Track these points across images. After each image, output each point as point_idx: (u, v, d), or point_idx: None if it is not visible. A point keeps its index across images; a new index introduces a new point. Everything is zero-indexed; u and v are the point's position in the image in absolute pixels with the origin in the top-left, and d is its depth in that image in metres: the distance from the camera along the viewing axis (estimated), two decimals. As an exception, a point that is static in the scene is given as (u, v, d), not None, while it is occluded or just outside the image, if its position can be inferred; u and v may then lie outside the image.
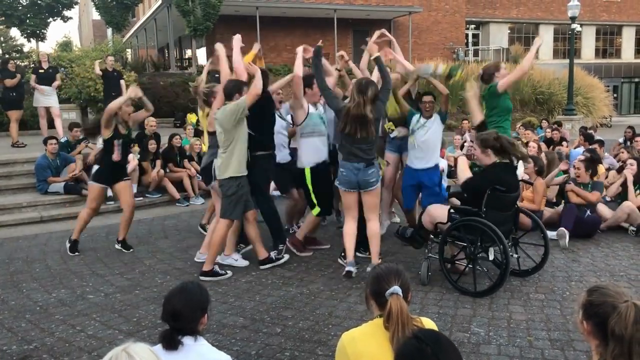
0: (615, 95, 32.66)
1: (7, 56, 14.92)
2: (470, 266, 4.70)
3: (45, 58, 11.53)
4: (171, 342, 2.40)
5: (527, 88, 21.04)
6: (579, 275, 5.09)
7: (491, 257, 4.84)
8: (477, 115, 5.63)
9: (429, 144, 5.81)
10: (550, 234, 5.72)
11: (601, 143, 9.24)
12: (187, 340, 2.41)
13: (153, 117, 10.12)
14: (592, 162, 6.85)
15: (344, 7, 23.94)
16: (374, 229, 5.16)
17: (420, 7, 25.47)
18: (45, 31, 24.61)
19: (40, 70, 11.10)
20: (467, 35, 30.24)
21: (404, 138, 6.08)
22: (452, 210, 4.86)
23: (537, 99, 21.09)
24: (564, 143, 10.10)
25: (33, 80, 10.95)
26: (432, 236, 4.99)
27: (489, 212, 4.59)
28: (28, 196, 8.52)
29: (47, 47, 71.97)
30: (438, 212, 5.00)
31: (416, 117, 5.85)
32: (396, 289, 2.29)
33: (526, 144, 9.78)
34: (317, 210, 5.71)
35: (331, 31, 23.41)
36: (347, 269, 5.11)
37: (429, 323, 2.40)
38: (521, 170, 7.12)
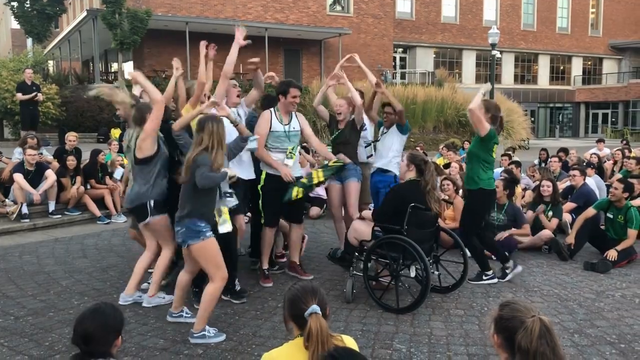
0: (532, 119, 34.58)
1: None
2: (393, 283, 4.79)
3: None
4: (82, 367, 2.30)
5: (450, 110, 21.89)
6: (496, 291, 5.29)
7: (413, 274, 4.95)
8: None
9: (381, 150, 6.17)
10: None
11: (518, 164, 9.68)
12: (100, 364, 2.32)
13: (74, 132, 9.78)
14: (511, 182, 7.10)
15: (275, 26, 24.12)
16: None
17: (350, 30, 26.07)
18: (-42, 39, 23.26)
19: None
20: (394, 58, 31.17)
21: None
22: (376, 228, 4.94)
23: (460, 121, 21.95)
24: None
25: None
26: (356, 253, 5.05)
27: (410, 229, 4.71)
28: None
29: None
30: (363, 229, 5.08)
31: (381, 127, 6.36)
32: (315, 308, 2.30)
33: (448, 165, 10.15)
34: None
35: (262, 49, 23.47)
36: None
37: (349, 341, 2.42)
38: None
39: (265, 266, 5.59)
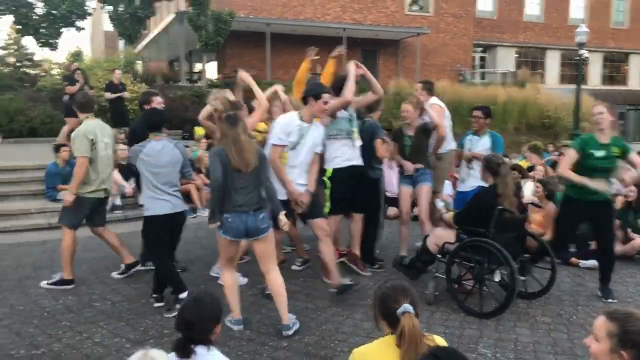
0: (622, 122, 32.74)
1: (73, 64, 15.38)
2: (477, 287, 4.72)
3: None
4: (184, 351, 2.45)
5: (533, 112, 21.14)
6: (585, 300, 5.09)
7: (497, 279, 4.86)
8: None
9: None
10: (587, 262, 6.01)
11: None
12: (200, 349, 2.46)
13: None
14: None
15: (353, 26, 24.20)
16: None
17: (429, 29, 25.72)
18: (57, 41, 24.87)
19: None
20: (474, 58, 30.46)
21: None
22: (460, 231, 4.88)
23: (544, 123, 21.17)
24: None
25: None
26: (439, 255, 5.00)
27: (495, 233, 4.62)
28: (37, 202, 8.58)
29: (59, 56, 72.58)
30: (445, 234, 5.04)
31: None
32: (407, 307, 2.31)
33: (532, 168, 9.82)
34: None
35: (340, 50, 23.61)
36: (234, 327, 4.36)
37: (440, 341, 2.42)
38: (529, 193, 7.16)
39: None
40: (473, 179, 5.94)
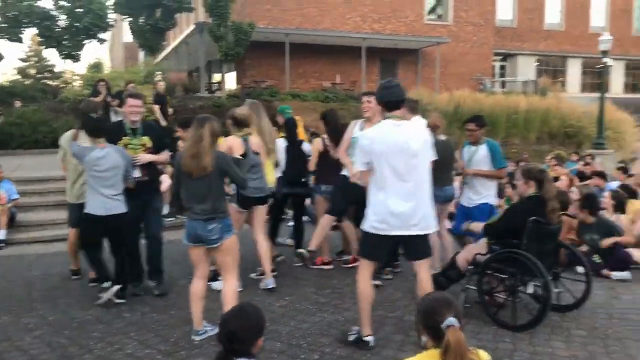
0: (645, 130, 32.24)
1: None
2: (510, 299, 4.63)
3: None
4: (226, 364, 2.41)
5: (555, 121, 20.92)
6: (620, 313, 4.97)
7: (530, 291, 4.77)
8: None
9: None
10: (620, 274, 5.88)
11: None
12: (242, 362, 2.41)
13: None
14: (589, 200, 6.59)
15: (372, 36, 24.22)
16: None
17: (449, 38, 25.64)
18: (79, 52, 25.28)
19: None
20: (494, 66, 30.28)
21: None
22: (492, 242, 4.81)
23: (566, 132, 20.93)
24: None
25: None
26: (470, 266, 4.93)
27: (530, 244, 4.54)
28: (63, 213, 8.63)
29: (80, 67, 73.76)
30: (476, 247, 4.99)
31: None
32: (452, 320, 2.27)
33: (557, 178, 9.69)
34: None
35: (359, 60, 23.65)
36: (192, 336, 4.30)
37: (484, 356, 2.37)
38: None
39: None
40: (472, 194, 5.83)
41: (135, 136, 5.33)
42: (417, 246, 4.02)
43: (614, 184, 9.16)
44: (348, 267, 6.28)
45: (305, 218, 7.29)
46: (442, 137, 6.12)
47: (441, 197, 5.78)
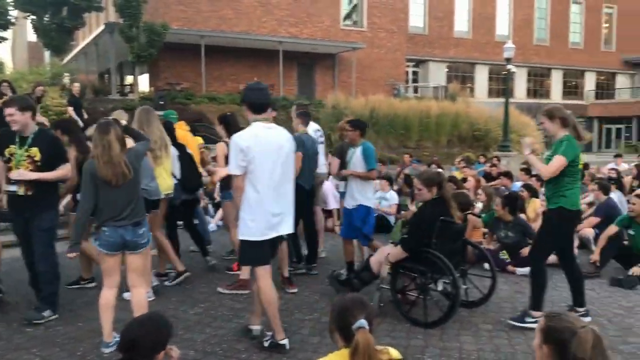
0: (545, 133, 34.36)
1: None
2: (421, 297, 4.78)
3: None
4: (121, 374, 2.30)
5: (464, 125, 21.89)
6: (524, 306, 5.23)
7: (440, 288, 4.94)
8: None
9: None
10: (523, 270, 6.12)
11: (538, 178, 9.66)
12: (139, 374, 2.31)
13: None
14: (510, 199, 6.95)
15: (290, 40, 24.29)
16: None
17: (364, 44, 26.18)
18: (-23, 51, 23.62)
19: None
20: (407, 72, 31.26)
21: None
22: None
23: (474, 135, 21.94)
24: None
25: None
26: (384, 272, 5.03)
27: (438, 243, 4.70)
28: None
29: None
30: (388, 248, 5.11)
31: None
32: (362, 322, 2.29)
33: (465, 179, 10.14)
34: None
35: (277, 63, 23.65)
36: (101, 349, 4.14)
37: (395, 354, 2.42)
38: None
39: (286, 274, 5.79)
40: (349, 197, 5.90)
41: (22, 146, 4.69)
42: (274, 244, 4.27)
43: (518, 184, 9.70)
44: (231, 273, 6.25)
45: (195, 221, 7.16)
46: (345, 140, 6.29)
47: None
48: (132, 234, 4.00)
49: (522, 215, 7.25)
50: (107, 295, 4.08)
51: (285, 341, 4.14)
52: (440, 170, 5.10)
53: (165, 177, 5.62)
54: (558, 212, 4.56)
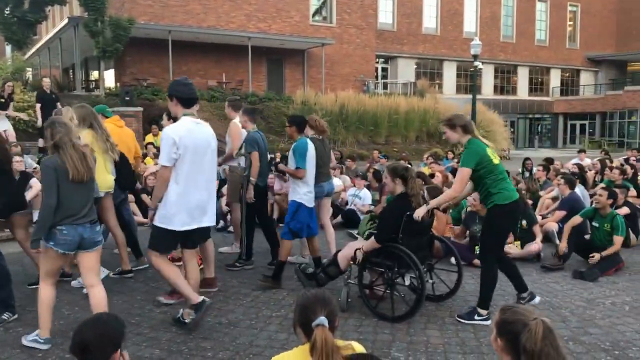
0: (512, 129, 35.03)
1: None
2: (388, 291, 4.80)
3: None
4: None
5: (433, 121, 22.10)
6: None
7: (407, 283, 4.98)
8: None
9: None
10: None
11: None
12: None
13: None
14: None
15: (258, 35, 24.13)
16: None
17: (333, 40, 26.19)
18: None
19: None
20: (376, 68, 31.40)
21: None
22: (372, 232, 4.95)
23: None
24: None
25: None
26: (351, 262, 5.04)
27: (405, 238, 4.72)
28: None
29: None
30: (356, 243, 5.10)
31: None
32: (322, 319, 2.27)
33: (433, 175, 10.23)
34: None
35: (245, 58, 23.48)
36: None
37: (358, 347, 2.42)
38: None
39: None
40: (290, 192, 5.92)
41: None
42: (201, 235, 4.63)
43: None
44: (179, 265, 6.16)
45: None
46: (318, 137, 6.28)
47: (318, 193, 6.10)
48: (90, 232, 4.02)
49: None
50: (49, 291, 4.08)
51: (201, 298, 4.38)
52: (408, 165, 5.09)
53: (105, 175, 5.52)
54: (494, 211, 4.64)
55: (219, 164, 6.36)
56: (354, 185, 9.83)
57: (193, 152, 4.15)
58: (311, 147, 5.78)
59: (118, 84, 22.14)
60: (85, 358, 2.22)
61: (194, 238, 4.56)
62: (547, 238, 7.54)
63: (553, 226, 7.62)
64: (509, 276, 5.06)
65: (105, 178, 5.48)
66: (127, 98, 16.50)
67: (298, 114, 6.32)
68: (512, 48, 37.77)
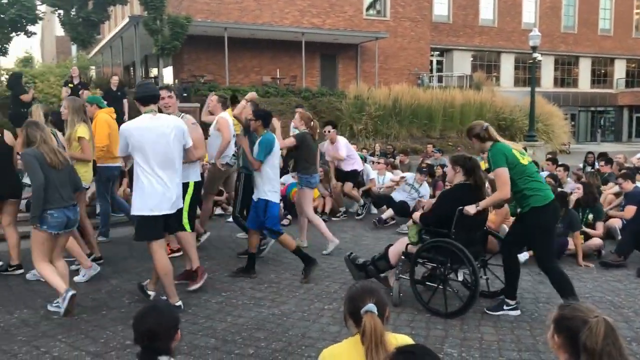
0: (573, 123, 33.82)
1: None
2: (441, 287, 4.75)
3: (77, 73, 12.52)
4: (150, 363, 2.37)
5: (489, 114, 21.60)
6: (546, 297, 5.19)
7: (460, 278, 4.91)
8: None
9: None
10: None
11: (566, 167, 9.52)
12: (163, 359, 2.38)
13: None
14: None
15: (312, 30, 24.22)
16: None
17: (387, 33, 25.97)
18: (7, 46, 24.05)
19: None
20: (431, 61, 30.94)
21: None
22: (422, 231, 4.91)
23: (500, 124, 21.67)
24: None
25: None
26: (402, 257, 5.01)
27: (458, 233, 4.66)
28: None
29: (9, 62, 70.07)
30: (406, 239, 5.06)
31: None
32: (370, 306, 2.31)
33: (488, 170, 10.00)
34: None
35: (299, 54, 23.62)
36: None
37: (405, 339, 2.42)
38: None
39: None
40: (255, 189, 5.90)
41: None
42: (171, 222, 4.82)
43: (544, 174, 9.54)
44: (178, 255, 6.33)
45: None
46: (305, 130, 6.81)
47: (312, 184, 6.90)
48: (74, 213, 4.77)
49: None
50: (47, 265, 4.64)
51: (179, 303, 4.72)
52: (471, 156, 5.02)
53: (84, 169, 6.20)
54: (531, 214, 4.54)
55: (215, 159, 6.68)
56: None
57: (147, 144, 4.54)
58: (277, 145, 5.84)
59: (176, 81, 22.71)
60: (153, 344, 2.35)
61: (170, 223, 4.86)
62: (610, 234, 7.28)
63: (616, 222, 7.34)
64: (507, 277, 4.84)
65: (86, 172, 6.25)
66: (185, 94, 16.93)
67: (262, 109, 6.17)
68: (573, 38, 36.39)
